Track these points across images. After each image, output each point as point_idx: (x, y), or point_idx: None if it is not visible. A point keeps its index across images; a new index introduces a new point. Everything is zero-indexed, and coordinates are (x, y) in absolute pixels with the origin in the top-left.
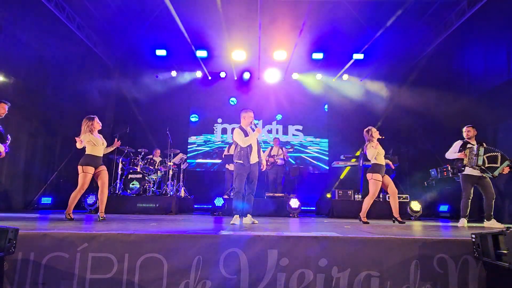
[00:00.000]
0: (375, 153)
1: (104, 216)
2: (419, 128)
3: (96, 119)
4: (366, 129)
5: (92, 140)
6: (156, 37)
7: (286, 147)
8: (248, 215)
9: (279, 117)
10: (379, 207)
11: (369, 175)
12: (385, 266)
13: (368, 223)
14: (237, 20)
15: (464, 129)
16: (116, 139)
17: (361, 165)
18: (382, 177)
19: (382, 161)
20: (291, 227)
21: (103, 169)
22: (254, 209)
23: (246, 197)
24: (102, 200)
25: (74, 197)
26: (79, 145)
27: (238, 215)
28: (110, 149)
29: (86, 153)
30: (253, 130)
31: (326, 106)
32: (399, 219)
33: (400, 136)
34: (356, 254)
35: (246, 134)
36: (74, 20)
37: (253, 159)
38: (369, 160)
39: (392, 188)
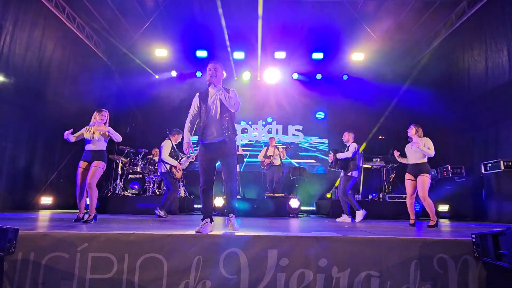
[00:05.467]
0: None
1: (92, 215)
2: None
3: (95, 113)
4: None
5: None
6: (156, 37)
7: (282, 146)
8: (231, 215)
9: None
10: (379, 207)
11: None
12: (385, 266)
13: (413, 225)
14: (237, 20)
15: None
16: None
17: (360, 164)
18: (415, 176)
19: (407, 159)
20: (291, 227)
21: (94, 165)
22: (254, 209)
23: (224, 191)
24: (90, 201)
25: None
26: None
27: (208, 219)
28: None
29: None
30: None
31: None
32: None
33: (400, 136)
34: (356, 254)
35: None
36: (74, 20)
37: (212, 134)
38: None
39: (417, 192)
